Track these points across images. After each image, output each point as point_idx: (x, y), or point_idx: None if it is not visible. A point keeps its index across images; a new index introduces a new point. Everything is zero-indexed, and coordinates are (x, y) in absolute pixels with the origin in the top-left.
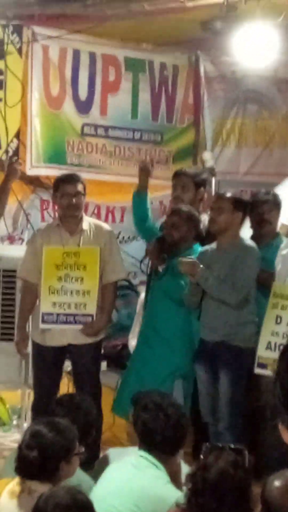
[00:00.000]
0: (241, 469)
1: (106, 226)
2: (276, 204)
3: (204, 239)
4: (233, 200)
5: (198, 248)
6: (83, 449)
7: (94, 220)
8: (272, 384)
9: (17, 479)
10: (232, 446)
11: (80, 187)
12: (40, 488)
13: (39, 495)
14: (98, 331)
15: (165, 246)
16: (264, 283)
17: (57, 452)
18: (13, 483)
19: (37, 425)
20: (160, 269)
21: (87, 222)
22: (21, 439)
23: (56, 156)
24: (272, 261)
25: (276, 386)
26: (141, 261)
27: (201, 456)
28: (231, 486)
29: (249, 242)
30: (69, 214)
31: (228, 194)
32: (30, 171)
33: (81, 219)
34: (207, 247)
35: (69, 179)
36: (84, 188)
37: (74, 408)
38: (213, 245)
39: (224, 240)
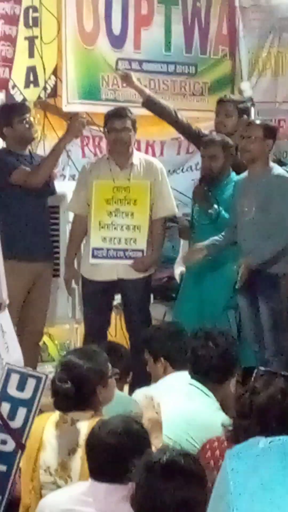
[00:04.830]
0: None
1: (157, 161)
2: None
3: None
4: (264, 128)
5: (234, 176)
6: (116, 370)
7: (145, 156)
8: None
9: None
10: (284, 373)
11: (128, 123)
12: (82, 417)
13: (82, 423)
14: (149, 266)
15: (208, 182)
16: None
17: (91, 378)
18: (55, 415)
19: (67, 356)
20: (212, 211)
21: (138, 157)
22: None
23: (90, 92)
24: None
25: None
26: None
27: (252, 380)
28: (278, 413)
29: (280, 170)
30: (115, 149)
31: (258, 122)
32: (66, 108)
33: (131, 154)
34: (239, 176)
35: (118, 114)
36: (134, 124)
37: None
38: (245, 174)
39: (255, 168)
